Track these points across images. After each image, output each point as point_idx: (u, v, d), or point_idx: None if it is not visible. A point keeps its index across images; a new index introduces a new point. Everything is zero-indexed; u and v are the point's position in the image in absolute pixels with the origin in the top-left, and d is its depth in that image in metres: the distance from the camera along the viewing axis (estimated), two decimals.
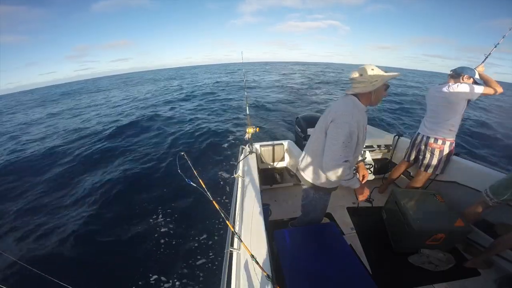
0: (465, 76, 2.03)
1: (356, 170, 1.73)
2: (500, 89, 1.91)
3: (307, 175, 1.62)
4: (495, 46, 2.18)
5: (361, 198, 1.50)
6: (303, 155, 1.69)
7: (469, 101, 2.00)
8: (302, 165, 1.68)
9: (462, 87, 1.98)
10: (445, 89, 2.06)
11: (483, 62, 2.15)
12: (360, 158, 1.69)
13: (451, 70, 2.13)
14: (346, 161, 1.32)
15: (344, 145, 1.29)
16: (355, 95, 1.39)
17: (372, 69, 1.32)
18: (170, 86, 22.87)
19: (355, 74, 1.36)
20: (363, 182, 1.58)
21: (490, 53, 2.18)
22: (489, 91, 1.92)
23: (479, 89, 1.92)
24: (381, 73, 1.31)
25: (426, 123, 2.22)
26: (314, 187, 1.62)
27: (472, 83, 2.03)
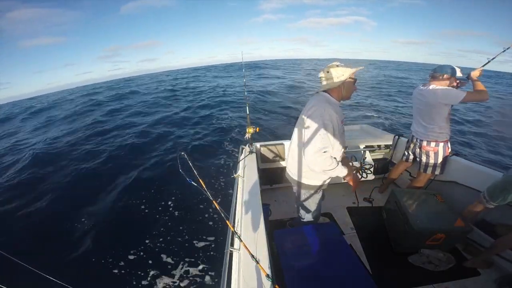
0: (445, 75, 1.92)
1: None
2: (486, 97, 1.79)
3: (295, 175, 1.66)
4: (504, 51, 1.94)
5: (353, 185, 1.54)
6: (289, 156, 1.72)
7: (452, 105, 1.93)
8: (289, 166, 1.72)
9: (441, 91, 1.88)
10: (425, 92, 1.98)
11: (483, 66, 1.98)
12: (344, 155, 1.71)
13: (431, 70, 2.04)
14: (325, 151, 1.39)
15: (320, 136, 1.38)
16: (326, 91, 1.49)
17: (337, 65, 1.42)
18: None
19: (323, 73, 1.46)
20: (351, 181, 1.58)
21: (494, 58, 1.96)
22: (473, 97, 1.80)
23: (460, 95, 1.80)
24: (346, 68, 1.42)
25: (417, 126, 2.18)
26: (303, 186, 1.65)
27: (455, 82, 1.94)
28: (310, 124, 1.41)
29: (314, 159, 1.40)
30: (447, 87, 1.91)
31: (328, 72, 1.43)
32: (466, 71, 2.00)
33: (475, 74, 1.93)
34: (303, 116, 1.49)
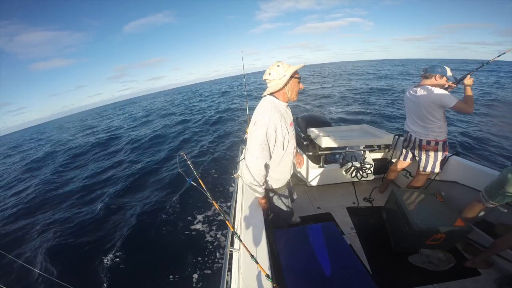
0: (437, 75, 1.94)
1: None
2: (471, 110, 1.80)
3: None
4: (499, 55, 1.85)
5: (262, 207, 1.54)
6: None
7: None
8: (242, 172, 1.67)
9: (435, 94, 1.88)
10: (418, 93, 2.00)
11: (474, 71, 1.94)
12: (296, 151, 1.70)
13: (422, 70, 2.05)
14: (259, 158, 1.34)
15: (261, 147, 1.32)
16: (271, 94, 1.42)
17: (278, 66, 1.34)
18: None
19: (266, 75, 1.38)
20: (299, 166, 1.84)
21: (489, 62, 1.89)
22: (462, 106, 1.81)
23: (453, 101, 1.82)
24: (287, 67, 1.34)
25: (414, 126, 2.18)
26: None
27: (446, 82, 1.95)
28: (255, 131, 1.35)
29: (252, 164, 1.37)
30: (441, 90, 1.91)
31: (270, 74, 1.36)
32: (468, 66, 1.95)
33: (469, 82, 1.92)
34: (252, 123, 1.42)
